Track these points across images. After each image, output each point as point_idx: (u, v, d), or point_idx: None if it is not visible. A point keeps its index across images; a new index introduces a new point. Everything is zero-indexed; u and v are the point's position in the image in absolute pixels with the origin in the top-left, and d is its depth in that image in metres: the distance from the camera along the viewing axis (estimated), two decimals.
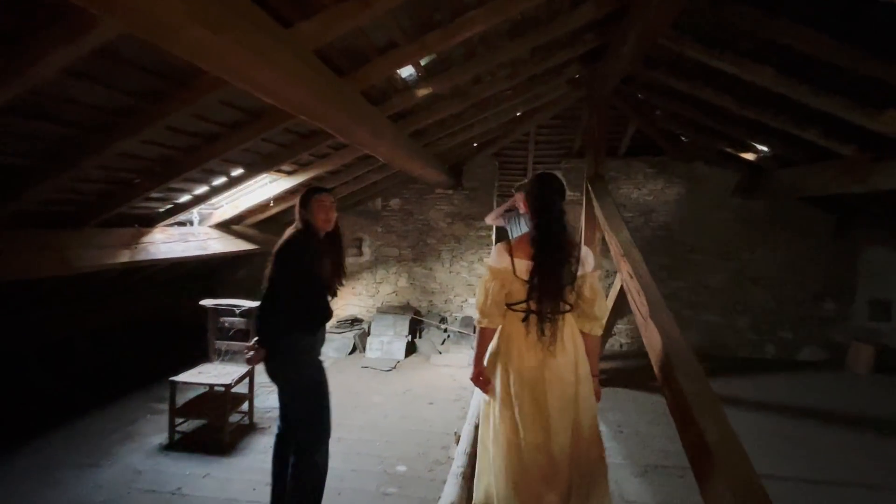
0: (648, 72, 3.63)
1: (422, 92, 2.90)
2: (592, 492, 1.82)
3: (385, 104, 2.93)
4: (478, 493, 1.97)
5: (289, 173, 3.72)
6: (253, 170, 3.18)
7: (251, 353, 2.21)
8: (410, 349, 5.49)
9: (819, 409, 4.10)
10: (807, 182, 4.11)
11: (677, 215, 5.56)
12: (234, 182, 3.23)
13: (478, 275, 5.95)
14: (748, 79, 2.96)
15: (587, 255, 1.88)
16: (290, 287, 2.14)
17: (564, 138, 5.61)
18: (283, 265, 2.13)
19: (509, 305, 1.87)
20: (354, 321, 6.00)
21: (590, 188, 4.01)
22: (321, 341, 2.36)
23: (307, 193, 2.30)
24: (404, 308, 6.01)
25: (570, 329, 1.85)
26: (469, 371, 2.03)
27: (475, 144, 5.64)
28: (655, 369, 2.03)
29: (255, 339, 2.22)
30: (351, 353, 5.49)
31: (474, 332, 2.21)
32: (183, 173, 2.67)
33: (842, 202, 4.98)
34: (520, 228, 3.86)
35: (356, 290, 6.24)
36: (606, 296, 3.17)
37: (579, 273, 1.83)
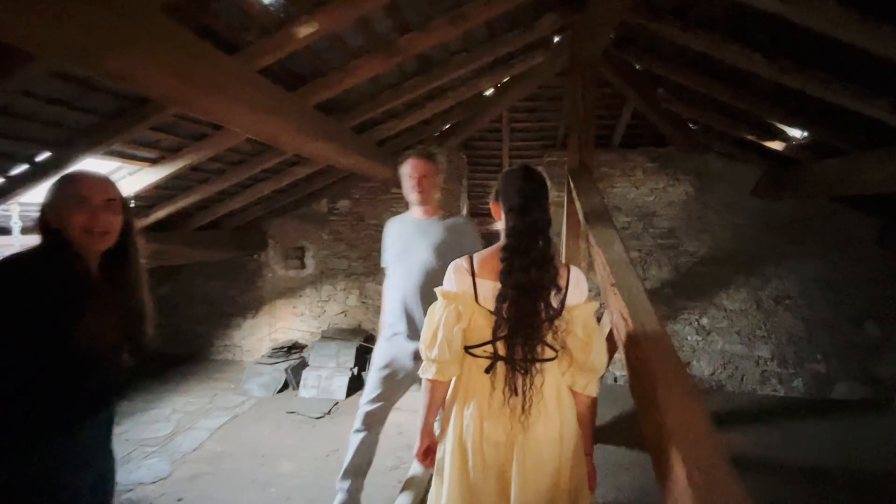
0: (651, 23, 2.62)
1: (305, 31, 1.88)
2: None
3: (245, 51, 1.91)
4: None
5: (152, 161, 2.67)
6: (67, 152, 2.14)
7: None
8: (355, 385, 4.43)
9: (866, 470, 3.10)
10: (860, 175, 3.09)
11: (684, 220, 4.54)
12: (41, 171, 2.18)
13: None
14: (798, 21, 1.95)
15: (579, 280, 1.33)
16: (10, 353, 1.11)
17: (545, 125, 4.60)
18: None
19: (468, 349, 1.29)
20: (293, 348, 4.94)
21: (571, 183, 2.99)
22: (94, 447, 1.31)
23: (58, 181, 1.29)
24: (354, 332, 4.96)
25: (553, 386, 1.29)
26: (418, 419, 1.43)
27: (436, 134, 4.61)
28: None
29: None
30: (281, 390, 4.43)
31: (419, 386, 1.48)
32: None
33: (890, 204, 3.98)
34: None
35: (297, 309, 5.18)
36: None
37: (568, 304, 1.28)
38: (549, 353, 1.27)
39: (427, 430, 1.40)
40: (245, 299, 5.17)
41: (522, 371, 1.23)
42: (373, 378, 2.16)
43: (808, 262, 4.35)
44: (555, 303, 1.25)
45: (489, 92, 4.07)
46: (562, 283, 1.28)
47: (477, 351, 1.28)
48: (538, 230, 1.27)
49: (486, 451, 1.26)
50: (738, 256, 4.46)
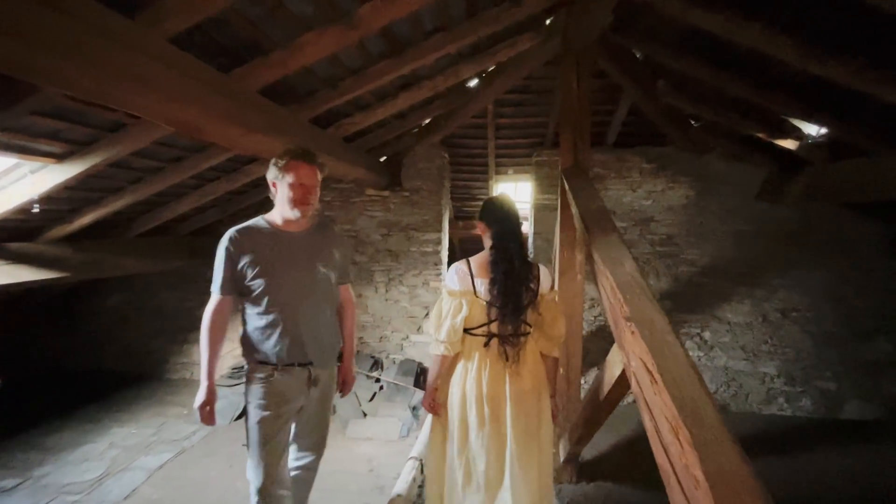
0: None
1: None
2: None
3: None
4: None
5: (58, 157, 2.18)
6: None
7: None
8: None
9: (878, 499, 2.79)
10: (886, 178, 2.76)
11: (684, 226, 4.19)
12: None
13: (423, 304, 4.48)
14: None
15: (545, 274, 1.82)
16: None
17: (534, 122, 4.20)
18: None
19: (468, 330, 1.76)
20: None
21: (565, 185, 2.59)
22: None
23: None
24: None
25: (530, 352, 1.78)
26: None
27: (414, 130, 4.18)
28: None
29: None
30: (238, 417, 3.94)
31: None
32: None
33: None
34: None
35: None
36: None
37: (540, 292, 1.78)
38: (527, 328, 1.77)
39: (432, 389, 1.84)
40: (204, 312, 4.65)
41: (511, 343, 1.73)
42: (261, 432, 1.70)
43: (817, 273, 4.03)
44: (532, 291, 1.74)
45: (473, 83, 3.66)
46: (534, 276, 1.76)
47: (476, 331, 1.75)
48: (514, 239, 1.75)
49: (487, 404, 1.70)
50: (742, 266, 4.12)
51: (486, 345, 1.73)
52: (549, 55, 3.17)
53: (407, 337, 4.50)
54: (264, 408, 1.70)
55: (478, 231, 1.89)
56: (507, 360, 1.71)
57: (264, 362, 1.74)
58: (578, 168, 2.71)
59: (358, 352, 4.57)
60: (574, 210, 2.45)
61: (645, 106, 3.55)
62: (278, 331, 1.71)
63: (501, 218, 1.79)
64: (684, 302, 4.20)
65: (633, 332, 1.28)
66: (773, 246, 4.05)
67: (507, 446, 1.69)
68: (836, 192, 3.29)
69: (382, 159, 4.42)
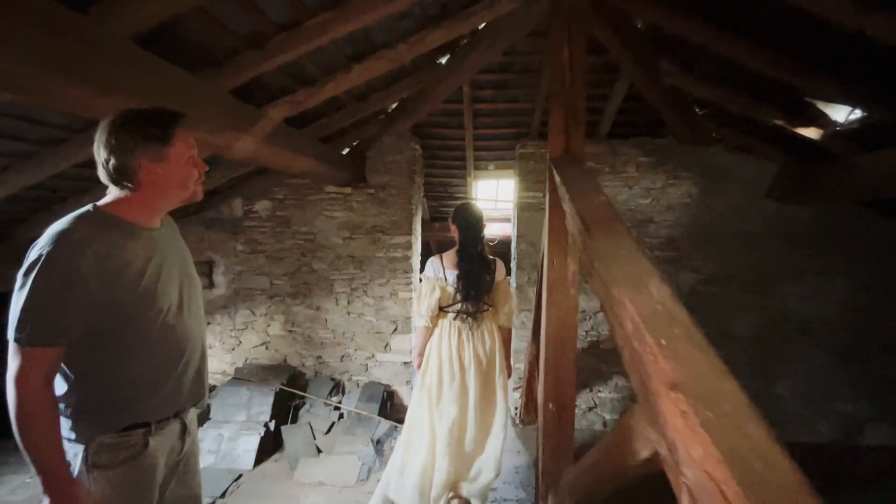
0: None
1: None
2: (489, 446, 2.31)
3: None
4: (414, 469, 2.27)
5: None
6: None
7: None
8: (269, 447, 3.35)
9: None
10: None
11: (686, 228, 3.70)
12: None
13: (391, 317, 3.90)
14: None
15: (500, 267, 2.43)
16: None
17: (518, 108, 3.66)
18: None
19: (442, 308, 2.36)
20: None
21: (555, 178, 2.05)
22: None
23: None
24: (276, 370, 3.87)
25: (489, 325, 2.41)
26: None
27: (380, 115, 3.61)
28: None
29: None
30: None
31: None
32: None
33: None
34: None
35: (206, 340, 4.04)
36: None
37: (495, 280, 2.40)
38: (486, 307, 2.41)
39: (419, 354, 2.44)
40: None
41: (474, 318, 2.37)
42: None
43: (835, 280, 3.57)
44: (489, 280, 2.38)
45: (444, 59, 3.10)
46: (491, 269, 2.39)
47: (448, 309, 2.37)
48: (476, 244, 2.36)
49: (457, 363, 2.32)
50: (751, 272, 3.64)
51: (456, 318, 2.35)
52: (534, 23, 2.63)
53: (373, 356, 3.91)
54: None
55: (451, 232, 2.48)
56: (471, 329, 2.35)
57: (130, 428, 1.17)
58: (571, 156, 2.17)
59: (316, 374, 3.96)
60: (568, 208, 1.91)
61: (645, 89, 3.04)
62: (171, 375, 1.24)
63: (467, 226, 2.36)
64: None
65: (683, 414, 0.74)
66: (786, 250, 3.59)
67: (469, 394, 2.29)
68: (865, 188, 2.83)
69: (345, 152, 3.84)
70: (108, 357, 1.16)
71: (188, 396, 1.31)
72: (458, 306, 2.33)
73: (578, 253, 2.14)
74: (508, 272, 4.03)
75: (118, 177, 1.14)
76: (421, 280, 2.43)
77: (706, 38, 2.39)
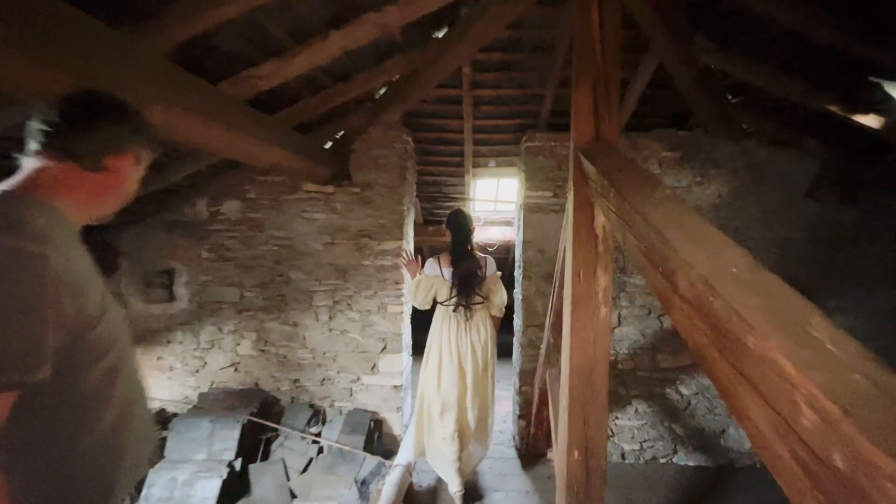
0: None
1: None
2: (481, 427, 2.74)
3: None
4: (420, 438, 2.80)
5: None
6: None
7: None
8: (235, 490, 2.83)
9: None
10: None
11: None
12: None
13: (379, 335, 3.40)
14: None
15: (489, 263, 2.78)
16: None
17: (524, 95, 3.20)
18: None
19: (441, 303, 2.73)
20: None
21: (585, 169, 1.58)
22: None
23: None
24: (247, 396, 3.36)
25: (482, 315, 2.75)
26: None
27: (366, 102, 3.13)
28: None
29: None
30: None
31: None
32: None
33: None
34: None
35: (164, 361, 3.51)
36: None
37: (486, 275, 2.75)
38: (479, 299, 2.73)
39: (412, 271, 2.88)
40: None
41: (469, 309, 2.69)
42: None
43: (880, 291, 3.16)
44: (480, 275, 2.71)
45: (441, 34, 2.63)
46: (481, 266, 2.73)
47: (446, 302, 2.71)
48: (465, 243, 2.72)
49: (455, 349, 2.68)
50: (788, 282, 3.20)
51: (454, 310, 2.70)
52: None
53: (358, 379, 3.41)
54: None
55: (446, 237, 2.84)
56: (467, 320, 2.70)
57: None
58: (605, 144, 1.71)
59: (293, 399, 3.45)
60: (602, 214, 1.46)
61: (676, 71, 2.60)
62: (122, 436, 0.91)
63: (458, 228, 2.74)
64: None
65: None
66: (828, 257, 3.17)
67: (466, 376, 2.68)
68: None
69: (328, 146, 3.35)
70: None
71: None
72: (455, 300, 2.67)
73: (610, 261, 1.71)
74: (511, 280, 3.56)
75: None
76: (423, 273, 2.77)
77: (767, 5, 1.95)
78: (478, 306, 2.72)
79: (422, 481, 2.99)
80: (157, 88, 1.56)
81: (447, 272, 2.69)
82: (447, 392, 2.65)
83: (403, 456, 2.94)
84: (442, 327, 2.72)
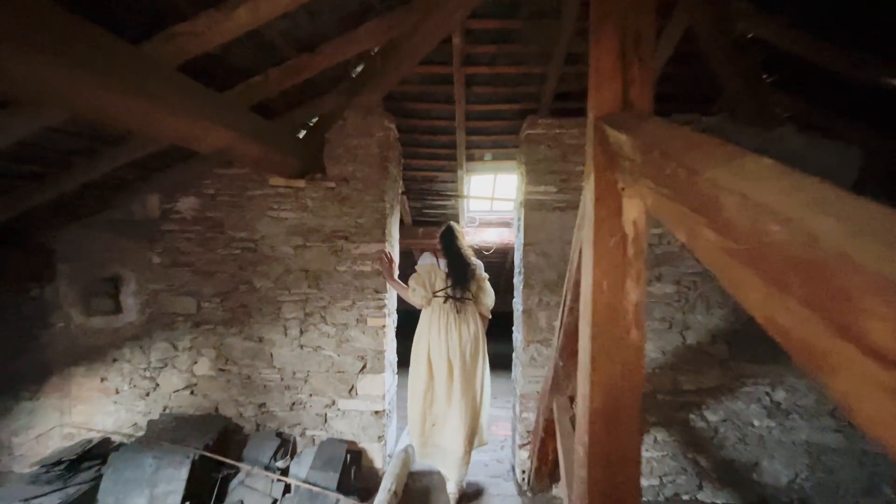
0: None
1: None
2: (471, 421, 2.72)
3: None
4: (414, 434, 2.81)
5: None
6: None
7: None
8: None
9: None
10: None
11: None
12: None
13: (357, 352, 2.94)
14: None
15: (478, 266, 2.87)
16: None
17: (524, 74, 2.76)
18: None
19: (434, 293, 2.78)
20: (85, 456, 2.78)
21: (619, 153, 1.12)
22: None
23: None
24: (203, 423, 2.89)
25: (470, 311, 2.80)
26: None
27: (346, 83, 2.69)
28: None
29: None
30: None
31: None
32: None
33: None
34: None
35: (109, 383, 3.04)
36: None
37: (476, 276, 2.84)
38: (469, 296, 2.80)
39: (386, 271, 2.87)
40: (18, 366, 2.99)
41: (460, 303, 2.76)
42: None
43: None
44: (470, 276, 2.81)
45: None
46: (471, 269, 2.82)
47: (439, 294, 2.77)
48: (458, 248, 2.83)
49: (444, 343, 2.71)
50: None
51: (445, 301, 2.76)
52: None
53: (333, 403, 2.95)
54: None
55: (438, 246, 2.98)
56: (458, 313, 2.75)
57: None
58: (637, 112, 1.27)
59: (258, 427, 2.98)
60: (649, 190, 1.00)
61: (706, 36, 2.18)
62: None
63: (450, 246, 2.86)
64: (746, 347, 2.83)
65: None
66: None
67: (455, 370, 2.70)
68: None
69: (301, 135, 2.91)
70: None
71: None
72: (448, 291, 2.76)
73: (643, 268, 1.25)
74: (511, 288, 3.13)
75: None
76: (416, 270, 2.87)
77: None
78: (468, 301, 2.80)
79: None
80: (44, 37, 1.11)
81: (442, 263, 2.84)
82: (438, 389, 2.74)
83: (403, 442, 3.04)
84: (431, 318, 2.76)
